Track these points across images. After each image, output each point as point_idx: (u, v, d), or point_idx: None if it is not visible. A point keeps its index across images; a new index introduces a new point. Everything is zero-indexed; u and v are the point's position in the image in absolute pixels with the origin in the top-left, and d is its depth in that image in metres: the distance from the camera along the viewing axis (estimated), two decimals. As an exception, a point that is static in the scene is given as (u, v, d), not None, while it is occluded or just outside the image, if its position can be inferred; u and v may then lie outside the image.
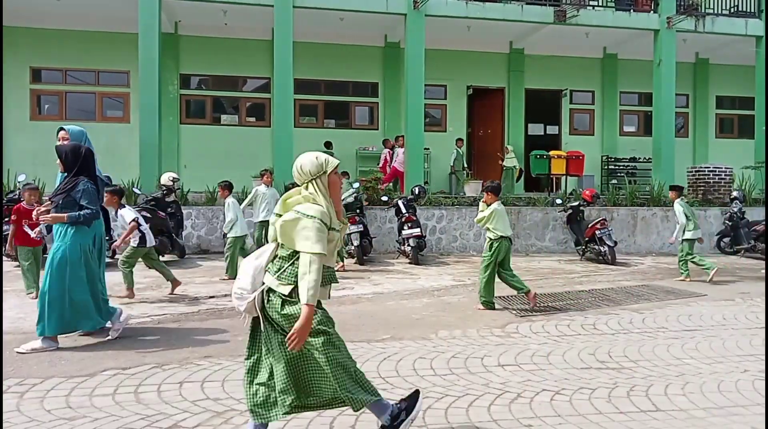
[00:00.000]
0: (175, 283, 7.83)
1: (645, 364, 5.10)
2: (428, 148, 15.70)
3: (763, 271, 10.51)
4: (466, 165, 16.39)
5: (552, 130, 18.50)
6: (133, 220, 7.32)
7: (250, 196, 10.34)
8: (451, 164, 16.03)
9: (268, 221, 9.87)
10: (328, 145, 15.58)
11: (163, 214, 10.17)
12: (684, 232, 9.33)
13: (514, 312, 7.04)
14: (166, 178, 10.78)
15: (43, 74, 15.27)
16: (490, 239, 7.20)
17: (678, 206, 9.48)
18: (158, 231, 9.93)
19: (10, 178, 11.11)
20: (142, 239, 7.45)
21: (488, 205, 7.25)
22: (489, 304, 7.16)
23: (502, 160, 16.48)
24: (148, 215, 9.65)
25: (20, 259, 7.44)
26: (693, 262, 9.36)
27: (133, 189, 11.50)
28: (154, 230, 9.78)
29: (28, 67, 15.03)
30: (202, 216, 11.74)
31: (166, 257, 10.49)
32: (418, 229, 10.76)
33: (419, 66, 13.70)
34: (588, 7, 14.82)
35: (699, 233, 9.42)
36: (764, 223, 12.03)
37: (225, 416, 3.89)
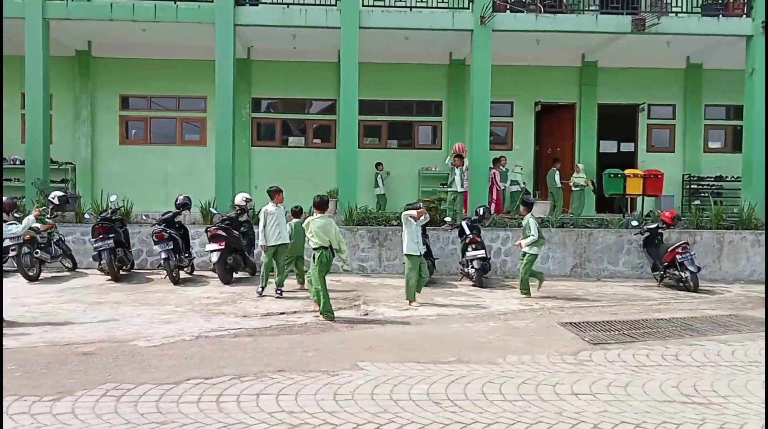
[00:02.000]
0: None
1: (737, 400, 4.79)
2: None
3: None
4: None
5: (627, 147, 17.79)
6: None
7: (262, 219, 9.38)
8: (560, 185, 15.62)
9: (280, 246, 9.25)
10: (379, 166, 15.72)
11: (237, 232, 10.48)
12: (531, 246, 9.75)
13: (586, 339, 6.77)
14: (239, 199, 11.15)
15: (130, 101, 16.19)
16: (314, 249, 7.74)
17: (533, 220, 9.86)
18: (232, 249, 10.32)
19: (102, 198, 11.89)
20: None
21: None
22: (330, 315, 7.61)
23: (570, 181, 15.91)
24: (224, 234, 10.02)
25: None
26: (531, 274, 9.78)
27: (210, 208, 11.94)
28: (229, 248, 10.18)
29: (117, 94, 15.95)
30: (272, 235, 12.01)
31: (239, 274, 10.85)
32: (483, 251, 10.53)
33: (485, 83, 13.53)
34: (670, 14, 14.10)
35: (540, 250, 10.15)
36: None
37: (300, 429, 4.02)
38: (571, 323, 7.64)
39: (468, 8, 13.63)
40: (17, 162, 14.77)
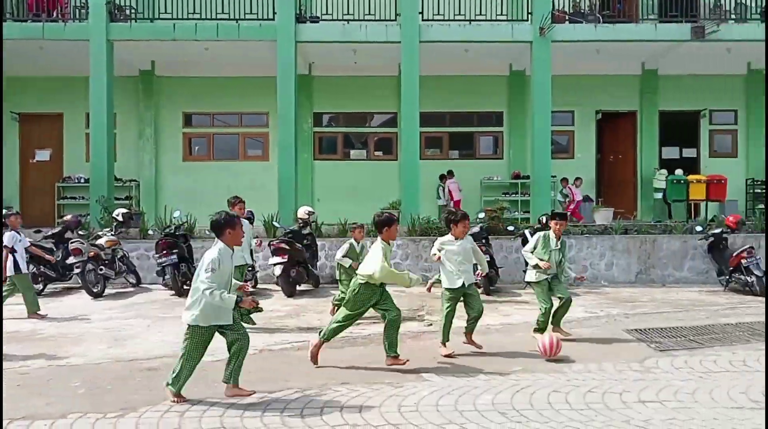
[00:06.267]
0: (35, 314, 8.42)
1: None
2: (555, 176, 15.41)
3: None
4: None
5: (689, 153, 17.38)
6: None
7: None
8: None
9: (243, 266, 8.00)
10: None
11: (300, 246, 10.70)
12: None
13: (653, 346, 6.73)
14: (302, 212, 11.35)
15: (193, 119, 16.81)
16: None
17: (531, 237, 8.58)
18: (295, 262, 10.51)
19: (166, 214, 12.37)
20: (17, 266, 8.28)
21: None
22: None
23: None
24: (287, 247, 10.30)
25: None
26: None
27: (273, 223, 12.28)
28: (292, 261, 10.43)
29: (181, 112, 16.59)
30: (335, 247, 12.14)
31: (302, 287, 11.01)
32: (546, 259, 10.53)
33: (546, 93, 13.54)
34: (729, 21, 13.86)
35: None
36: None
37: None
38: (636, 330, 7.58)
39: (527, 20, 13.72)
40: (81, 180, 15.31)
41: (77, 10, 13.93)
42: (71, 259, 10.29)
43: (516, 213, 15.40)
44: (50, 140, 16.14)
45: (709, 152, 17.04)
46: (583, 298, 10.22)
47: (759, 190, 16.27)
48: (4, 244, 8.17)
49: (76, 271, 10.20)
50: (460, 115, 16.87)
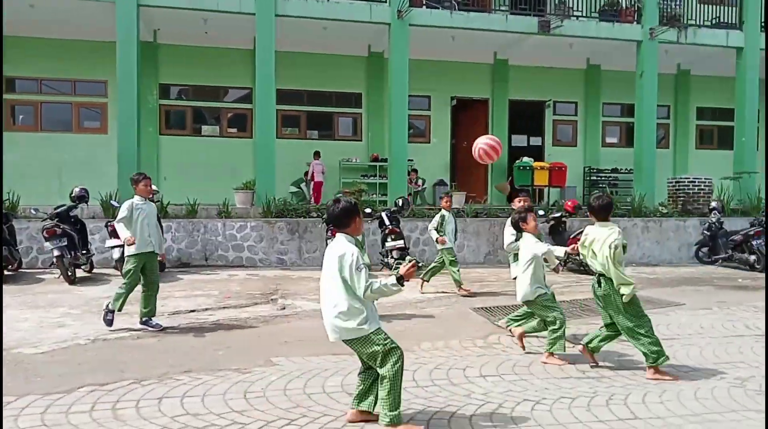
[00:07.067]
0: None
1: (624, 372, 5.16)
2: (412, 160, 15.70)
3: (740, 280, 10.64)
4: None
5: (535, 141, 18.62)
6: None
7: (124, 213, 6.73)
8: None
9: (151, 253, 6.73)
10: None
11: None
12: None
13: (496, 323, 7.00)
14: (145, 190, 10.57)
15: (17, 84, 14.96)
16: None
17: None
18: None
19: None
20: None
21: None
22: None
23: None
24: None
25: None
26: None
27: (111, 202, 11.26)
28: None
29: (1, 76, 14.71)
30: (183, 229, 11.56)
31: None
32: (402, 241, 10.65)
33: (403, 76, 13.70)
34: (572, 18, 14.89)
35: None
36: (744, 232, 12.11)
37: (202, 432, 3.83)
38: (483, 308, 7.88)
39: (385, 2, 13.75)
40: None
41: None
42: None
43: (374, 195, 15.52)
44: None
45: (552, 141, 18.35)
46: (435, 279, 10.43)
47: (594, 178, 17.84)
48: None
49: None
50: (318, 95, 16.62)
